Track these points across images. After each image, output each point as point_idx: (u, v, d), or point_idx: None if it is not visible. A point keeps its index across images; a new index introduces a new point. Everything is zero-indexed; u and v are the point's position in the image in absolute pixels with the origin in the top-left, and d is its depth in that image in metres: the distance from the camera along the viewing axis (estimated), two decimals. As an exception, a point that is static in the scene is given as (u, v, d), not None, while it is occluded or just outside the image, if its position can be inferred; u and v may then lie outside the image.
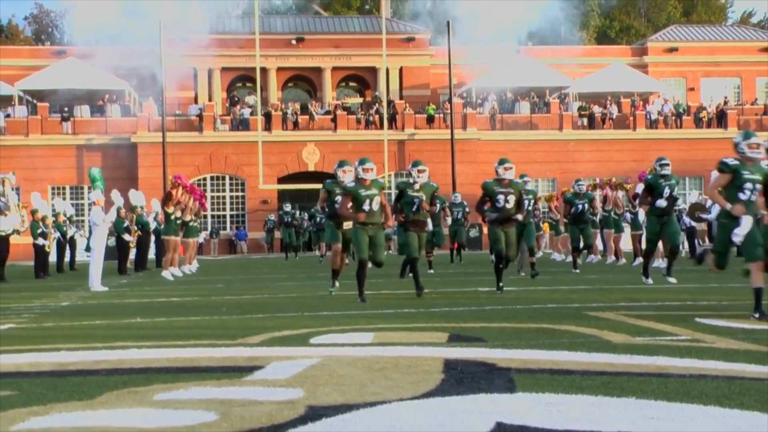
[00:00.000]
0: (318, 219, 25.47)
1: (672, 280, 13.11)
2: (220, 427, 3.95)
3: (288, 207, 31.14)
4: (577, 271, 17.40)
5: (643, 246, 15.72)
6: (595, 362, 5.66)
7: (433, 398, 4.54)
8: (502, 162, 12.11)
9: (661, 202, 12.78)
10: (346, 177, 12.16)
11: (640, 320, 8.14)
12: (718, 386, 4.70)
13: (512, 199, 11.82)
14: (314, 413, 4.19)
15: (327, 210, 13.11)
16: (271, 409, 4.32)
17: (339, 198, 12.00)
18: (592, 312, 9.01)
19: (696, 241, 26.15)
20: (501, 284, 11.93)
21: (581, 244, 18.03)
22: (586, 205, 17.99)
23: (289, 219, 30.93)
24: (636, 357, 5.83)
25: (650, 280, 13.14)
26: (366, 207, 10.99)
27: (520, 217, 12.48)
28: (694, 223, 24.65)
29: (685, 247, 27.18)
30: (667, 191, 12.86)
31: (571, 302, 10.37)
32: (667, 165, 13.24)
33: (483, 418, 3.98)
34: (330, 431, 3.84)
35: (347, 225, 11.97)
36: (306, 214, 32.88)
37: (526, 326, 7.90)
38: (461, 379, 5.09)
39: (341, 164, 12.73)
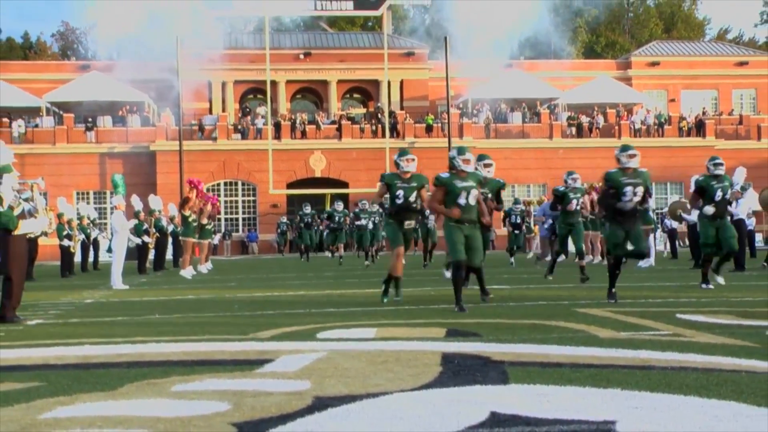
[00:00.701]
0: (337, 218, 25.08)
1: (720, 279, 11.90)
2: (233, 416, 3.95)
3: (308, 209, 29.49)
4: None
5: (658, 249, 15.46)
6: (583, 355, 5.66)
7: (431, 389, 4.54)
8: (625, 149, 10.16)
9: (709, 209, 11.27)
10: (410, 166, 10.39)
11: (625, 316, 8.13)
12: (697, 378, 4.70)
13: (640, 190, 9.82)
14: (321, 403, 4.19)
15: (387, 206, 11.02)
16: (281, 399, 4.32)
17: (400, 192, 10.26)
18: (581, 309, 9.02)
19: (677, 242, 26.13)
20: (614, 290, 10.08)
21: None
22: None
23: (309, 220, 29.35)
24: (621, 350, 5.83)
25: (711, 285, 11.37)
26: (462, 201, 9.19)
27: (647, 205, 10.78)
28: (675, 224, 24.59)
29: (666, 248, 27.16)
30: (719, 194, 11.37)
31: (560, 299, 10.36)
32: (721, 165, 11.58)
33: (478, 408, 3.98)
34: (335, 421, 3.84)
35: (408, 224, 10.46)
36: (324, 215, 31.41)
37: (519, 322, 7.89)
38: (458, 371, 5.09)
39: (403, 153, 10.67)
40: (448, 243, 9.37)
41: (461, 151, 9.39)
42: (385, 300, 10.45)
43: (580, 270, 13.62)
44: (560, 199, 14.04)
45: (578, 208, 14.18)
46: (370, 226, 23.48)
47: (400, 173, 10.32)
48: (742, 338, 6.33)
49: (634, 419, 3.72)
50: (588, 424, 3.65)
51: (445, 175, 9.26)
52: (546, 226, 20.60)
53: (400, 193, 10.18)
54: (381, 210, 17.64)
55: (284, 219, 37.93)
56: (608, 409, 3.91)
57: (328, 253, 27.72)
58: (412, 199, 10.22)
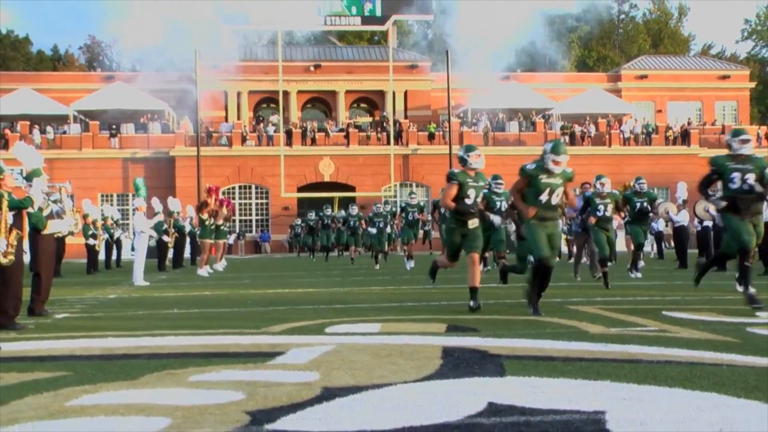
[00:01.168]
0: (352, 223, 24.04)
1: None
2: (247, 405, 3.96)
3: (329, 210, 28.18)
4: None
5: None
6: (575, 350, 5.66)
7: (432, 381, 4.54)
8: (737, 133, 8.50)
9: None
10: (478, 162, 8.96)
11: (614, 313, 8.12)
12: (681, 371, 4.70)
13: (752, 177, 8.28)
14: (328, 393, 4.20)
15: (457, 206, 9.00)
16: (291, 389, 4.33)
17: (471, 191, 8.80)
18: (573, 306, 9.02)
19: (663, 244, 26.08)
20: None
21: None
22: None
23: (328, 221, 27.68)
24: (610, 345, 5.82)
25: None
26: (544, 198, 8.21)
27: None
28: (662, 227, 24.50)
29: (653, 249, 27.09)
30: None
31: (554, 297, 10.34)
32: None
33: (476, 399, 3.98)
34: (342, 410, 3.84)
35: (473, 223, 8.88)
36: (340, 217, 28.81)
37: (515, 318, 7.89)
38: (457, 364, 5.09)
39: (470, 148, 9.09)
40: (530, 241, 8.31)
41: (556, 149, 8.20)
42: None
43: (603, 276, 12.12)
44: (586, 204, 13.00)
45: (607, 214, 12.66)
46: (388, 229, 22.66)
47: (467, 170, 8.88)
48: (723, 334, 6.32)
49: (622, 409, 3.72)
50: (579, 413, 3.65)
51: (531, 165, 8.36)
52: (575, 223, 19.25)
53: (471, 192, 8.82)
54: (431, 214, 15.58)
55: (298, 221, 37.19)
56: (598, 400, 3.91)
57: (346, 253, 26.38)
58: (479, 199, 9.05)
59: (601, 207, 12.61)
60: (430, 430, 3.40)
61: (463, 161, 8.92)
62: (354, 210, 24.88)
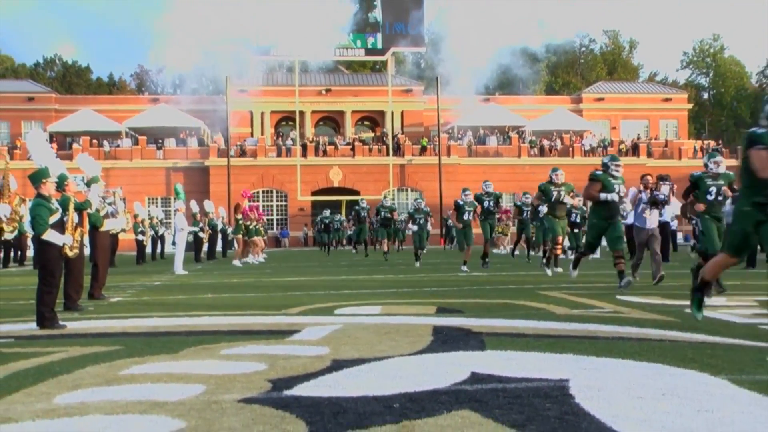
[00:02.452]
0: (382, 214, 20.14)
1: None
2: (269, 374, 3.97)
3: (364, 203, 22.89)
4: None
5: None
6: (543, 328, 5.66)
7: (424, 354, 4.55)
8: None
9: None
10: (619, 171, 9.17)
11: (576, 297, 8.13)
12: (632, 346, 4.71)
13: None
14: (337, 365, 4.20)
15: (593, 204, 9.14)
16: (306, 361, 4.33)
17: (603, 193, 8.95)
18: (542, 291, 9.02)
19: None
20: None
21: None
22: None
23: (365, 214, 22.86)
24: (573, 324, 5.83)
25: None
26: (710, 197, 8.51)
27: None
28: (674, 225, 23.59)
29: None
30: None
31: (526, 284, 10.36)
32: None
33: (461, 369, 3.99)
34: (349, 378, 3.85)
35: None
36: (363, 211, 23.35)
37: (493, 302, 7.89)
38: (445, 340, 5.10)
39: (613, 158, 9.22)
40: (705, 234, 8.32)
41: (713, 155, 8.70)
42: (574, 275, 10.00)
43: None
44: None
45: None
46: (428, 227, 19.61)
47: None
48: (666, 315, 6.33)
49: (583, 377, 3.73)
50: (547, 381, 3.66)
51: (698, 173, 8.74)
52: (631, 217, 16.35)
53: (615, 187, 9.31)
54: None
55: (317, 219, 33.37)
56: (563, 370, 3.92)
57: (382, 247, 22.01)
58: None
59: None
60: (422, 395, 3.41)
61: (605, 167, 9.41)
62: (364, 203, 22.86)
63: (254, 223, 20.93)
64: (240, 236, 20.03)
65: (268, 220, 43.64)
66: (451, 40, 44.53)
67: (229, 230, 24.29)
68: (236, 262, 18.84)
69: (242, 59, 44.80)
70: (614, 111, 50.16)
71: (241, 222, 20.01)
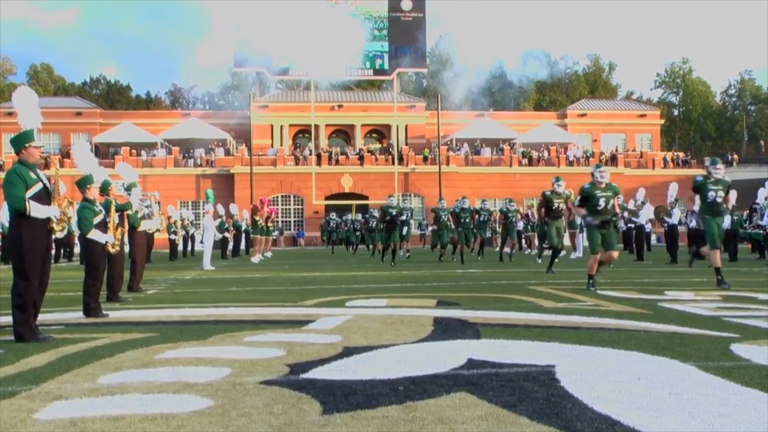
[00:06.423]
0: (405, 216, 17.33)
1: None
2: (287, 359, 3.98)
3: (392, 201, 18.33)
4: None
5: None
6: (532, 319, 5.66)
7: (426, 342, 4.55)
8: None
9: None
10: (604, 177, 8.58)
11: (562, 291, 8.12)
12: (611, 335, 4.70)
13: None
14: (348, 351, 4.21)
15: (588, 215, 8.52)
16: (320, 348, 4.35)
17: (602, 200, 8.39)
18: (531, 286, 9.00)
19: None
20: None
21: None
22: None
23: (395, 213, 17.69)
24: (559, 315, 5.83)
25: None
26: (710, 200, 8.72)
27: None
28: (648, 228, 23.04)
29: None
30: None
31: (517, 279, 10.35)
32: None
33: (459, 356, 4.00)
34: (358, 364, 3.86)
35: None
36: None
37: (487, 295, 7.89)
38: (445, 330, 5.10)
39: (597, 166, 8.64)
40: (707, 231, 8.65)
41: (714, 162, 8.87)
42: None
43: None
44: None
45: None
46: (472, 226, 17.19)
47: (596, 183, 8.50)
48: (641, 308, 6.32)
49: (567, 363, 3.73)
50: (536, 366, 3.66)
51: (700, 178, 8.82)
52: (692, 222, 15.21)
53: (602, 201, 8.46)
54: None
55: (332, 223, 31.53)
56: (550, 357, 3.92)
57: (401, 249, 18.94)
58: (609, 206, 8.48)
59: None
60: (424, 379, 3.42)
61: (592, 176, 8.61)
62: (392, 201, 18.89)
63: (260, 221, 20.82)
64: (258, 236, 20.07)
65: (285, 221, 43.76)
66: (452, 59, 44.58)
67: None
68: (255, 259, 18.92)
69: (264, 79, 44.81)
70: (595, 125, 50.05)
71: (259, 223, 20.02)
